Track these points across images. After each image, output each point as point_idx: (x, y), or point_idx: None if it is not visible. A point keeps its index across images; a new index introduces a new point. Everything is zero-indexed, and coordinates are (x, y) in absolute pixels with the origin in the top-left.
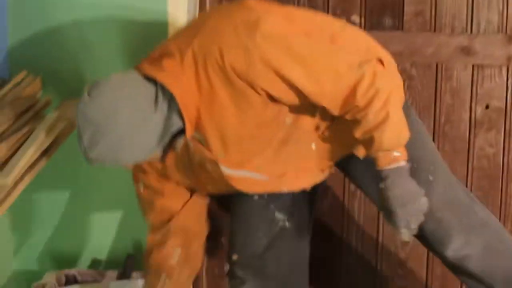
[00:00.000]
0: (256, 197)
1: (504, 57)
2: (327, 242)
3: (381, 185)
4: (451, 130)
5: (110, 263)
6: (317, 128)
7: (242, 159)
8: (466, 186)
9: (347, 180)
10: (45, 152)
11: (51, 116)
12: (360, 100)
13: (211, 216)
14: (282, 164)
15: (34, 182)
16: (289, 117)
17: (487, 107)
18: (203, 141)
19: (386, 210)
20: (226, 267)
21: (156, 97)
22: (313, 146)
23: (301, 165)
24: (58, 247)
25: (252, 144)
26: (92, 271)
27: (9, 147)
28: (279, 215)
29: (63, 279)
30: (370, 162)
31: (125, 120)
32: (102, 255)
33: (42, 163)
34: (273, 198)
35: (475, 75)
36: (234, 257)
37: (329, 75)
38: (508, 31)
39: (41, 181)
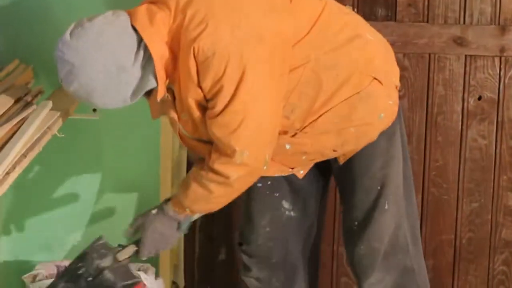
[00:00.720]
0: (259, 184)
1: (497, 48)
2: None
3: (153, 211)
4: (443, 121)
5: None
6: (285, 132)
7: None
8: (458, 178)
9: None
10: (37, 142)
11: (42, 105)
12: (211, 163)
13: None
14: None
15: (25, 173)
16: None
17: (479, 98)
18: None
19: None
20: (222, 256)
21: (138, 49)
22: (287, 147)
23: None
24: (49, 238)
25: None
26: None
27: (0, 137)
28: (285, 204)
29: (54, 270)
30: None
31: (100, 68)
32: None
33: (33, 153)
34: (277, 186)
35: (467, 66)
36: (240, 245)
37: (231, 125)
38: (501, 22)
39: (32, 171)
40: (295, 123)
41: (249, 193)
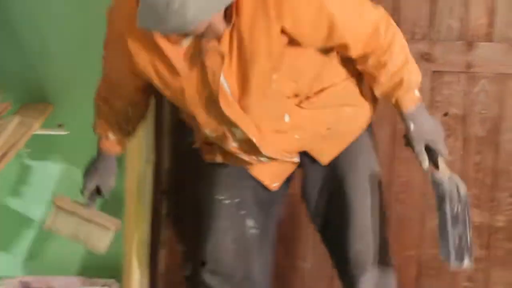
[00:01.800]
0: (227, 201)
1: (464, 64)
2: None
3: (411, 127)
4: None
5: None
6: (296, 95)
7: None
8: (423, 193)
9: None
10: (2, 158)
11: (10, 120)
12: (383, 38)
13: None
14: (257, 115)
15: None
16: (277, 74)
17: (445, 114)
18: (222, 55)
19: (419, 142)
20: (187, 272)
21: None
22: (286, 118)
23: (274, 127)
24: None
25: (241, 80)
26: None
27: None
28: (249, 222)
29: (19, 287)
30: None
31: None
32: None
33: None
34: (245, 204)
35: (434, 82)
36: (202, 263)
37: (359, 9)
38: (469, 38)
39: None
40: (303, 88)
41: (213, 208)
